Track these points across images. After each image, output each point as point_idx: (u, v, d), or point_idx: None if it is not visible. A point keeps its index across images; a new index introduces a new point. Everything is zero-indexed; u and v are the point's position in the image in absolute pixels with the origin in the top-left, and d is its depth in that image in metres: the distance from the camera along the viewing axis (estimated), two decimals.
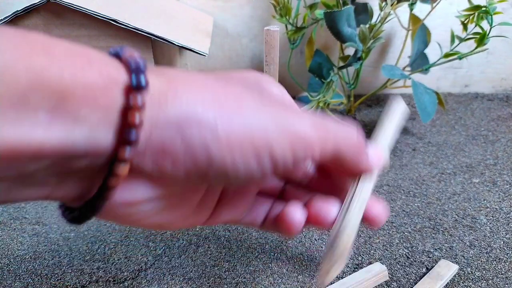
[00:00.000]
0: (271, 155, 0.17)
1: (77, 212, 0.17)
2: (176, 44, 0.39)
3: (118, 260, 0.35)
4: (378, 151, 0.23)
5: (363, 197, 0.22)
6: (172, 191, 0.19)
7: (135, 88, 0.15)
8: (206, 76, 0.18)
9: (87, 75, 0.14)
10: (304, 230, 0.20)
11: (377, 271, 0.32)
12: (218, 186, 0.21)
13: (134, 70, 0.15)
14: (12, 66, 0.12)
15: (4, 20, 0.38)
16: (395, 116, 0.25)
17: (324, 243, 0.36)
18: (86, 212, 0.17)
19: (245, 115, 0.17)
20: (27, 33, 0.13)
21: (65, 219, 0.18)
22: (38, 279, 0.33)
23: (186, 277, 0.33)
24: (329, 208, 0.22)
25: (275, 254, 0.35)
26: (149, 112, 0.15)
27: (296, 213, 0.22)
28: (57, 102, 0.13)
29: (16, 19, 0.38)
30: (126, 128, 0.15)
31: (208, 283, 0.32)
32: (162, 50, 0.47)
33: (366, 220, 0.22)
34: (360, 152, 0.21)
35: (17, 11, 0.37)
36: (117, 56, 0.16)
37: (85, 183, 0.17)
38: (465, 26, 0.45)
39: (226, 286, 0.32)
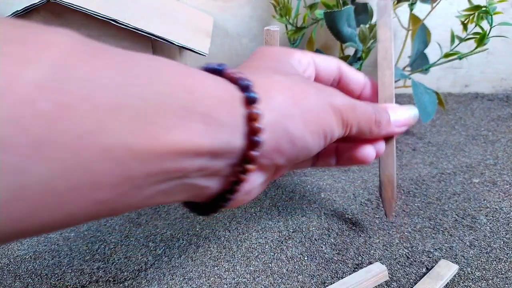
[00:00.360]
0: (331, 132, 0.23)
1: (209, 205, 0.21)
2: (176, 44, 0.39)
3: (118, 260, 0.35)
4: (400, 115, 0.29)
5: (391, 150, 0.31)
6: (271, 172, 0.24)
7: (251, 101, 0.19)
8: (271, 73, 0.23)
9: (219, 93, 0.18)
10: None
11: (377, 271, 0.32)
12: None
13: (245, 88, 0.19)
14: (174, 87, 0.16)
15: None
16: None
17: (323, 243, 0.36)
18: (217, 204, 0.21)
19: (312, 106, 0.22)
20: (162, 59, 0.17)
21: (195, 212, 0.22)
22: (38, 279, 0.33)
23: (186, 277, 0.33)
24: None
25: (275, 254, 0.35)
26: (263, 113, 0.20)
27: (367, 149, 0.29)
28: (205, 115, 0.17)
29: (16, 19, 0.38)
30: (252, 134, 0.19)
31: (208, 283, 0.32)
32: (162, 50, 0.47)
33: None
34: (377, 127, 0.27)
35: (17, 11, 0.37)
36: (215, 71, 0.20)
37: (220, 181, 0.20)
38: (465, 26, 0.45)
39: (226, 286, 0.32)
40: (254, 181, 0.22)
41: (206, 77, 0.18)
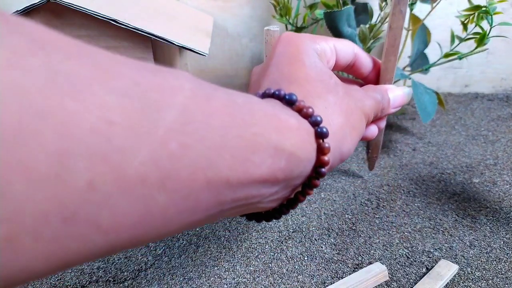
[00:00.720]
0: (362, 135, 0.28)
1: (272, 212, 0.24)
2: (176, 44, 0.39)
3: (118, 260, 0.35)
4: (397, 97, 0.33)
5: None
6: None
7: (322, 136, 0.22)
8: (324, 93, 0.25)
9: (300, 132, 0.21)
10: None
11: (377, 271, 0.32)
12: None
13: (316, 123, 0.22)
14: (266, 128, 0.19)
15: None
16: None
17: (323, 243, 0.36)
18: (281, 211, 0.24)
19: (356, 122, 0.26)
20: (256, 101, 0.20)
21: (254, 219, 0.25)
22: (38, 279, 0.33)
23: (186, 277, 0.33)
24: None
25: (275, 254, 0.35)
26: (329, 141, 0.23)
27: (372, 128, 0.33)
28: (291, 154, 0.20)
29: None
30: (320, 165, 0.22)
31: (208, 283, 0.32)
32: (162, 50, 0.47)
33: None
34: (381, 113, 0.32)
35: (17, 11, 0.37)
36: (289, 102, 0.22)
37: (283, 201, 0.23)
38: (465, 26, 0.45)
39: (226, 286, 0.32)
40: None
41: (289, 117, 0.21)
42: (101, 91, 0.13)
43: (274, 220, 0.38)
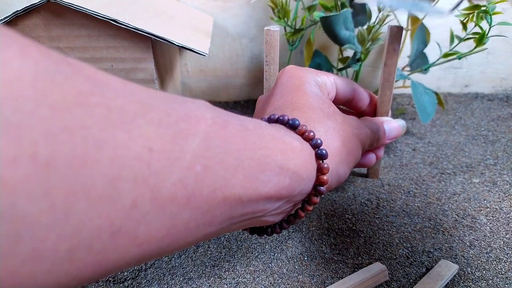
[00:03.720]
0: (358, 160, 0.31)
1: (274, 226, 0.26)
2: (176, 44, 0.39)
3: None
4: (392, 129, 0.36)
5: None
6: None
7: (321, 157, 0.24)
8: (324, 118, 0.28)
9: (302, 154, 0.23)
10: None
11: (377, 271, 0.32)
12: None
13: (316, 145, 0.24)
14: (273, 150, 0.21)
15: (4, 20, 0.38)
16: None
17: (323, 243, 0.36)
18: (282, 226, 0.26)
19: (353, 147, 0.29)
20: (265, 126, 0.22)
21: (256, 233, 0.27)
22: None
23: (186, 277, 0.33)
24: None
25: (275, 254, 0.35)
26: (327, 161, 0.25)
27: (370, 156, 0.37)
28: (294, 173, 0.22)
29: (16, 19, 0.38)
30: (319, 184, 0.24)
31: (208, 283, 0.32)
32: (162, 50, 0.47)
33: None
34: (377, 143, 0.34)
35: (17, 11, 0.37)
36: (292, 127, 0.25)
37: (283, 216, 0.25)
38: (464, 25, 0.45)
39: (226, 286, 0.32)
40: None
41: (293, 140, 0.23)
42: (143, 122, 0.15)
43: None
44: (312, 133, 0.24)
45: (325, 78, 0.32)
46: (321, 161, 0.24)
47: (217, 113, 0.19)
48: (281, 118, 0.25)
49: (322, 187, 0.24)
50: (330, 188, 0.27)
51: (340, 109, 0.36)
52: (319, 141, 0.24)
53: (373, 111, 0.38)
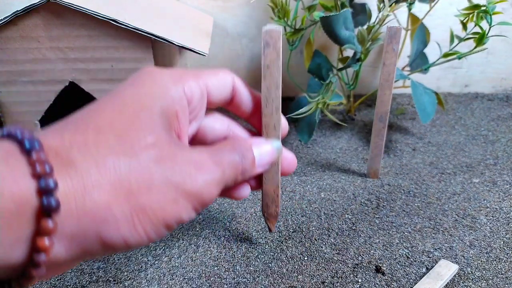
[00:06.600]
0: (177, 221, 0.21)
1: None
2: (176, 44, 0.39)
3: (118, 260, 0.35)
4: (264, 154, 0.27)
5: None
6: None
7: (46, 209, 0.16)
8: (109, 154, 0.19)
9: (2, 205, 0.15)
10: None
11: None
12: None
13: (46, 189, 0.16)
14: None
15: (4, 20, 0.38)
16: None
17: (323, 243, 0.36)
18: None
19: (153, 201, 0.19)
20: None
21: None
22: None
23: (186, 277, 0.33)
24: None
25: (275, 254, 0.35)
26: (64, 221, 0.17)
27: (241, 190, 0.29)
28: None
29: (16, 19, 0.38)
30: (35, 251, 0.16)
31: (208, 283, 0.32)
32: (162, 50, 0.47)
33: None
34: (242, 175, 0.26)
35: (17, 11, 0.37)
36: (18, 141, 0.17)
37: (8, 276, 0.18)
38: (464, 25, 0.45)
39: (226, 286, 0.32)
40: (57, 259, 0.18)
41: (6, 167, 0.16)
42: None
43: None
44: (47, 167, 0.16)
45: (192, 83, 0.24)
46: (47, 216, 0.16)
47: None
48: (16, 133, 0.17)
49: (41, 256, 0.16)
50: (92, 252, 0.19)
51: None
52: (51, 184, 0.16)
53: (258, 118, 0.29)
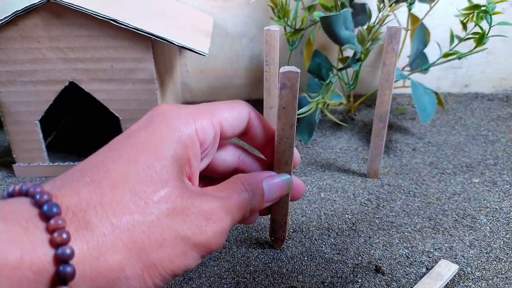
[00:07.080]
0: (185, 268, 0.21)
1: None
2: (176, 44, 0.39)
3: None
4: (274, 188, 0.27)
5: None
6: None
7: (61, 277, 0.16)
8: (118, 213, 0.19)
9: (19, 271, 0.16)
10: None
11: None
12: None
13: (61, 258, 0.17)
14: None
15: (4, 20, 0.38)
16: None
17: (323, 243, 0.36)
18: None
19: (161, 257, 0.20)
20: None
21: None
22: None
23: (186, 277, 0.33)
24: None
25: (275, 254, 0.35)
26: (77, 283, 0.17)
27: (250, 219, 0.29)
28: None
29: (16, 19, 0.38)
30: None
31: (208, 283, 0.32)
32: (162, 50, 0.47)
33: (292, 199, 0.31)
34: (251, 213, 0.26)
35: (17, 11, 0.37)
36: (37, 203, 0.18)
37: None
38: (464, 25, 0.45)
39: (226, 286, 0.32)
40: None
41: (14, 245, 0.16)
42: None
43: None
44: (64, 235, 0.17)
45: (204, 122, 0.24)
46: (62, 284, 0.17)
47: None
48: (33, 191, 0.18)
49: None
50: None
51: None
52: (67, 252, 0.17)
53: (271, 150, 0.29)
